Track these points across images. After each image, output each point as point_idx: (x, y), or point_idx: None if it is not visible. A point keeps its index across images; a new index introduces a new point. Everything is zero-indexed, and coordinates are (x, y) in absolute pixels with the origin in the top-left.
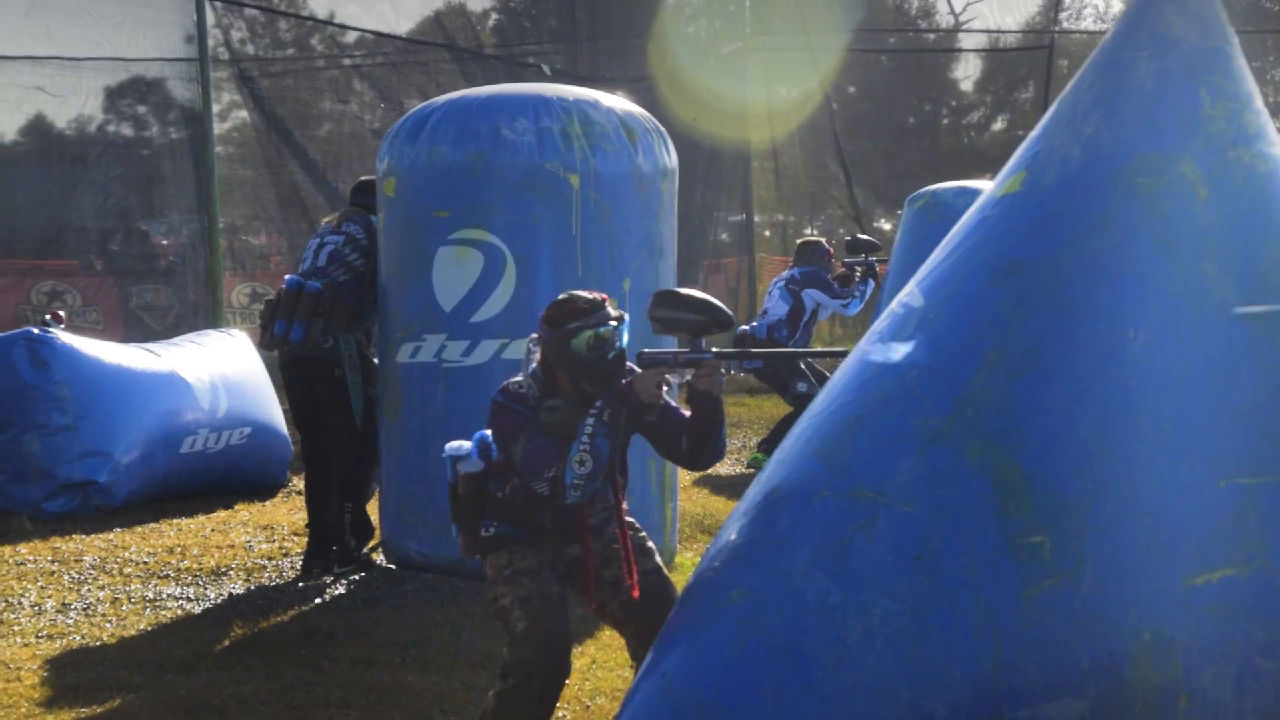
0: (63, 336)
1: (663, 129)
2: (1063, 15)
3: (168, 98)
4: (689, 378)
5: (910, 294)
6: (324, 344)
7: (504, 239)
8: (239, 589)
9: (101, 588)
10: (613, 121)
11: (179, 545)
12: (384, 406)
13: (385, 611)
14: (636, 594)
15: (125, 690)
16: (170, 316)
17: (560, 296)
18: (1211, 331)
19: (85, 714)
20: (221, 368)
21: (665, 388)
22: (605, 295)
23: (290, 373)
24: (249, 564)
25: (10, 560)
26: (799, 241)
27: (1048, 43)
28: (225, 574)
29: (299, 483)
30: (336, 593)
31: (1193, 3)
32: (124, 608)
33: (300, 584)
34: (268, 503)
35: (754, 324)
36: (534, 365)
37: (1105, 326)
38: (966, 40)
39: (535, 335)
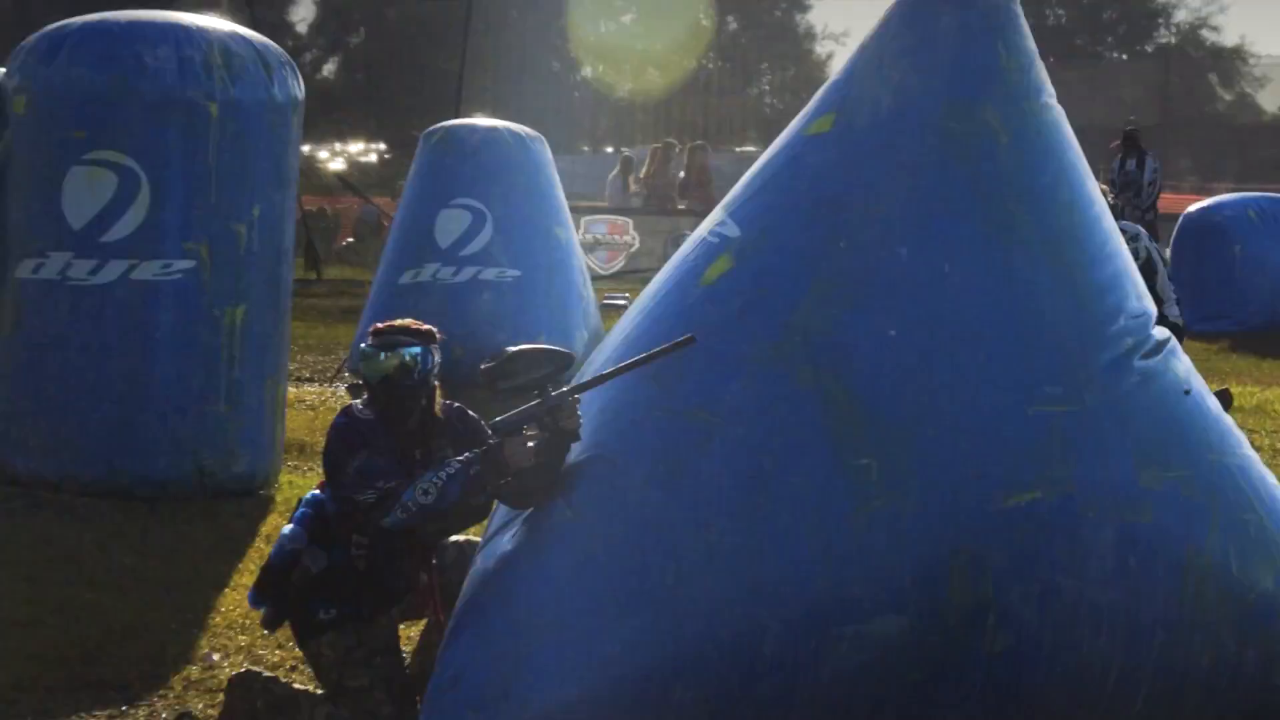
0: None
1: (293, 62)
2: None
3: None
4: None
5: (722, 224)
6: None
7: (139, 161)
8: None
9: None
10: (250, 53)
11: None
12: None
13: (11, 528)
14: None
15: None
16: None
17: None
18: (1020, 266)
19: None
20: None
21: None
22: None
23: None
24: None
25: None
26: None
27: None
28: None
29: None
30: None
31: None
32: None
33: None
34: None
35: None
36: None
37: (924, 260)
38: None
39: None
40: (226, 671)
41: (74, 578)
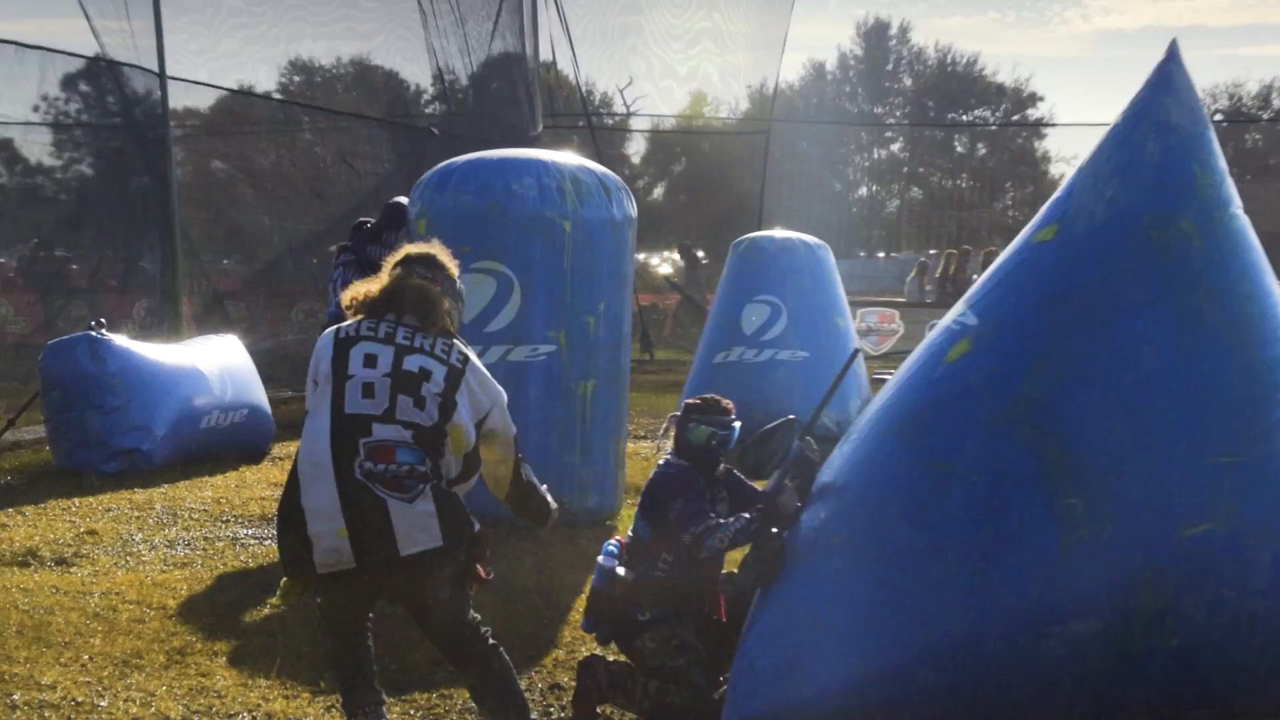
0: (113, 338)
1: (628, 187)
2: (706, 109)
3: None
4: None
5: (963, 315)
6: None
7: (512, 269)
8: None
9: (187, 529)
10: (594, 180)
11: (221, 497)
12: None
13: None
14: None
15: (268, 604)
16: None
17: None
18: (1205, 348)
19: (253, 620)
20: (225, 362)
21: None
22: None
23: None
24: None
25: (100, 509)
26: None
27: (764, 128)
28: (271, 519)
29: (278, 450)
30: None
31: (1185, 96)
32: (217, 544)
33: None
34: (261, 465)
35: None
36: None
37: (1126, 342)
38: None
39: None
40: (582, 652)
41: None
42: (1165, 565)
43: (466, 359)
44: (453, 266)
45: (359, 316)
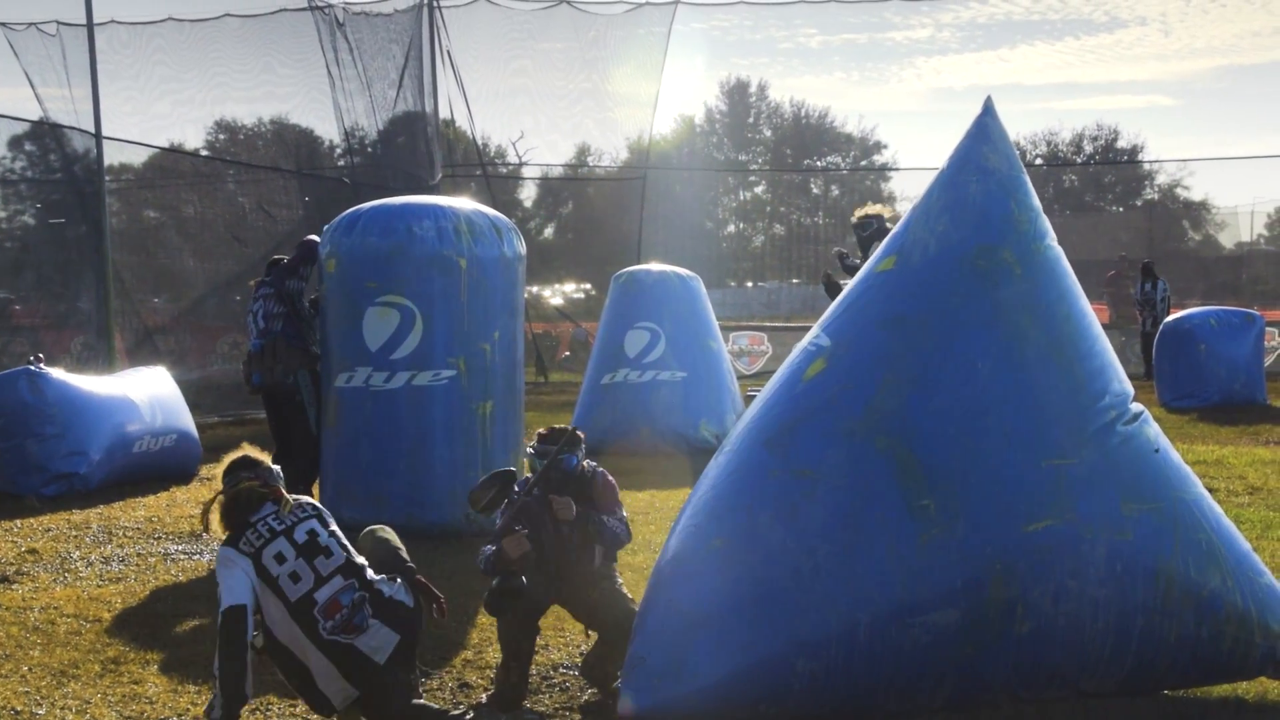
0: (51, 371)
1: (517, 228)
2: (589, 158)
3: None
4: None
5: (817, 337)
6: (287, 381)
7: (414, 301)
8: None
9: (122, 546)
10: (486, 222)
11: (153, 516)
12: (325, 417)
13: None
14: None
15: (197, 615)
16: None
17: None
18: (1032, 362)
19: (184, 630)
20: (155, 392)
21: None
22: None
23: (267, 400)
24: None
25: (40, 529)
26: None
27: (641, 175)
28: (200, 535)
29: (205, 472)
30: None
31: (1000, 144)
32: (150, 559)
33: None
34: (190, 486)
35: None
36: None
37: (962, 358)
38: (528, 171)
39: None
40: (489, 653)
41: None
42: (1013, 559)
43: (315, 506)
44: (265, 457)
45: (226, 531)
